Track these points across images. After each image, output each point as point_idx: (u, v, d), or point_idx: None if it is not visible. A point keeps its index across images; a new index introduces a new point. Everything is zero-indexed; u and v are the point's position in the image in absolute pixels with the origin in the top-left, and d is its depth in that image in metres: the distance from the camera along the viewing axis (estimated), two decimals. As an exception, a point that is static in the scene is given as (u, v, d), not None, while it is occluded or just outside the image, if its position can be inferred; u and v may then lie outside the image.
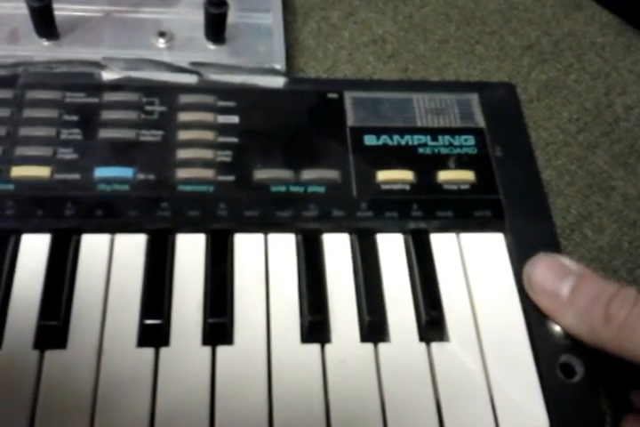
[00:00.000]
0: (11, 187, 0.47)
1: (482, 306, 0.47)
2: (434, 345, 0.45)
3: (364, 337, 0.45)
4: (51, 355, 0.42)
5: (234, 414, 0.41)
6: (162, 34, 0.59)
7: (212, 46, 0.59)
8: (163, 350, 0.43)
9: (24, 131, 0.50)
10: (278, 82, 0.55)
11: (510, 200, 0.51)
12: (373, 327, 0.45)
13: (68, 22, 0.59)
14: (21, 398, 0.41)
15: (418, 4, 0.73)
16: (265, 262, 0.47)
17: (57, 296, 0.44)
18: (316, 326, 0.44)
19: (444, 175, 0.51)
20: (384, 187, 0.50)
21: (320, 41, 0.70)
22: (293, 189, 0.49)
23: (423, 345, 0.45)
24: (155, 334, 0.43)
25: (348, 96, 0.54)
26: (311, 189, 0.49)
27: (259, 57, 0.59)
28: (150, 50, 0.59)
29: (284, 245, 0.48)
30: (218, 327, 0.44)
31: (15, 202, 0.47)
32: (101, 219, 0.47)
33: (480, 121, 0.55)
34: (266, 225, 0.48)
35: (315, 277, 0.46)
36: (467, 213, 0.50)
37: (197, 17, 0.60)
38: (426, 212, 0.49)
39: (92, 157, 0.49)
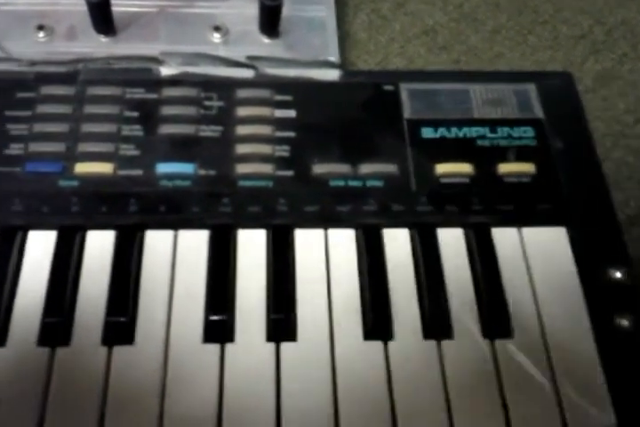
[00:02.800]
0: (75, 183, 0.48)
1: (545, 301, 0.47)
2: (497, 342, 0.45)
3: (428, 334, 0.45)
4: (119, 351, 0.43)
5: (299, 409, 0.42)
6: (217, 28, 0.59)
7: (266, 40, 0.59)
8: (228, 346, 0.44)
9: (86, 127, 0.50)
10: (334, 75, 0.55)
11: (572, 193, 0.50)
12: (436, 324, 0.45)
13: (124, 18, 0.59)
14: (91, 395, 0.42)
15: (468, -7, 0.72)
16: (325, 258, 0.47)
17: (124, 292, 0.45)
18: (378, 324, 0.44)
19: (504, 168, 0.50)
20: (443, 180, 0.50)
21: (371, 33, 0.69)
22: (352, 183, 0.49)
23: (487, 342, 0.45)
24: (220, 330, 0.44)
25: (404, 88, 0.54)
26: (370, 183, 0.49)
27: (313, 50, 0.59)
28: (205, 44, 0.59)
29: (345, 241, 0.48)
30: (281, 323, 0.44)
31: (80, 198, 0.47)
32: (164, 215, 0.47)
33: (539, 112, 0.54)
34: (325, 220, 0.48)
35: (376, 273, 0.46)
36: (528, 207, 0.49)
37: (251, 10, 0.60)
38: (486, 205, 0.49)
39: (154, 153, 0.50)
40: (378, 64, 0.66)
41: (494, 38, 0.68)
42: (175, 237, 0.48)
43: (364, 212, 0.48)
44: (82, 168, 0.48)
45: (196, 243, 0.47)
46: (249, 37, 0.60)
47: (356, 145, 0.51)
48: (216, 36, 0.59)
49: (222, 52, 0.58)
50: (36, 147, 0.49)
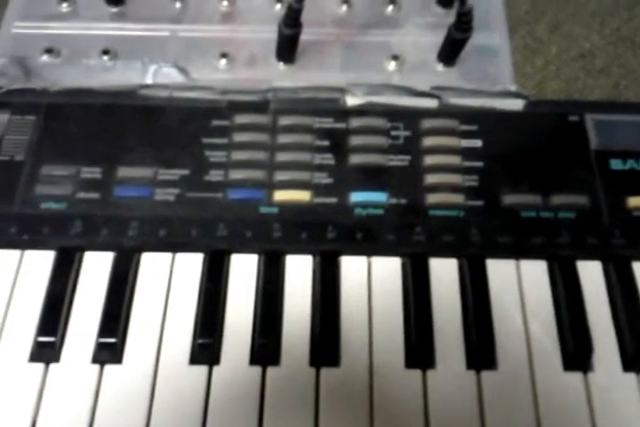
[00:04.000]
0: (275, 210, 0.50)
1: None
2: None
3: (627, 366, 0.45)
4: (326, 372, 0.45)
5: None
6: (394, 57, 0.60)
7: (441, 68, 0.61)
8: (429, 373, 0.45)
9: (281, 156, 0.53)
10: (517, 104, 0.55)
11: None
12: (637, 357, 0.45)
13: (302, 46, 0.61)
14: (303, 414, 0.43)
15: (625, 16, 0.71)
16: (519, 290, 0.48)
17: (329, 316, 0.46)
18: (578, 355, 0.45)
19: (698, 203, 0.50)
20: (636, 213, 0.50)
21: (527, 56, 0.69)
22: (543, 214, 0.50)
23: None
24: (422, 356, 0.45)
25: (590, 118, 0.54)
26: (561, 214, 0.50)
27: (488, 78, 0.60)
28: (380, 72, 0.61)
29: (537, 273, 0.49)
30: (481, 352, 0.45)
31: (280, 224, 0.49)
32: (360, 242, 0.49)
33: None
34: (518, 251, 0.49)
35: (575, 306, 0.47)
36: None
37: (426, 38, 0.61)
38: (682, 240, 0.49)
39: (346, 182, 0.51)
40: (534, 87, 0.66)
41: (655, 62, 0.67)
42: (369, 264, 0.49)
43: (557, 244, 0.49)
44: (281, 195, 0.50)
45: (390, 270, 0.49)
46: (424, 66, 0.61)
47: (544, 175, 0.52)
48: (392, 65, 0.60)
49: (397, 80, 0.60)
50: (236, 174, 0.51)
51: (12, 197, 0.49)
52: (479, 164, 0.52)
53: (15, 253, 0.48)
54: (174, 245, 0.49)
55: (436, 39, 0.60)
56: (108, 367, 0.44)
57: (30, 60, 0.59)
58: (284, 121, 0.54)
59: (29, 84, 0.56)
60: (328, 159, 0.52)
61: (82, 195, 0.50)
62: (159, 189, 0.51)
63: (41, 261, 0.48)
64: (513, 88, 0.58)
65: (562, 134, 0.54)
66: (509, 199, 0.50)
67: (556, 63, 0.68)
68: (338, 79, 0.59)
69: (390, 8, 0.64)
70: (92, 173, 0.51)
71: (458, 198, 0.51)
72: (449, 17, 0.60)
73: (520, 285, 0.48)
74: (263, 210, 0.50)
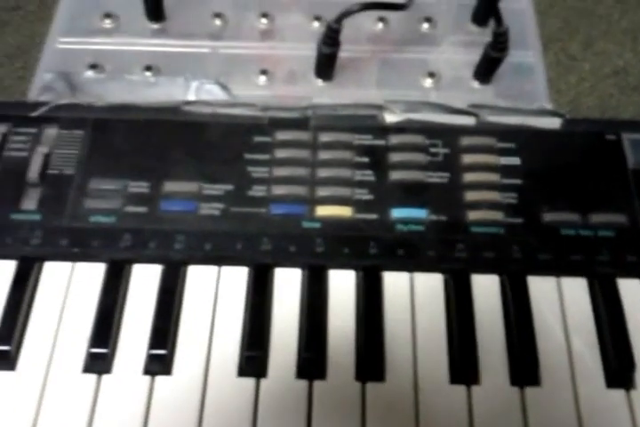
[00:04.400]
0: (317, 225, 0.51)
1: None
2: None
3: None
4: (372, 387, 0.46)
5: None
6: (431, 74, 0.61)
7: (477, 86, 0.62)
8: (474, 389, 0.46)
9: (322, 172, 0.53)
10: (554, 123, 0.56)
11: None
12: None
13: (340, 63, 0.62)
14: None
15: (657, 34, 0.72)
16: (560, 307, 0.49)
17: (374, 331, 0.47)
18: (621, 371, 0.46)
19: None
20: (675, 232, 0.50)
21: (560, 72, 0.70)
22: (583, 232, 0.51)
23: None
24: (466, 371, 0.46)
25: (627, 137, 0.55)
26: (601, 232, 0.50)
27: (523, 95, 0.61)
28: (417, 90, 0.62)
29: (578, 290, 0.49)
30: (525, 368, 0.46)
31: (323, 239, 0.50)
32: (402, 258, 0.50)
33: None
34: (558, 269, 0.50)
35: (616, 323, 0.47)
36: None
37: (462, 55, 0.62)
38: None
39: (387, 198, 0.52)
40: (569, 104, 0.67)
41: (689, 81, 0.68)
42: (411, 280, 0.50)
43: (597, 261, 0.49)
44: (323, 211, 0.51)
45: (432, 286, 0.50)
46: (460, 83, 0.62)
47: (582, 194, 0.52)
48: (428, 82, 0.61)
49: (433, 98, 0.61)
50: (278, 190, 0.52)
51: (61, 211, 0.50)
52: (518, 181, 0.53)
53: (66, 265, 0.49)
54: (220, 258, 0.50)
55: (472, 57, 0.61)
56: (159, 378, 0.45)
57: (75, 76, 0.60)
58: (325, 138, 0.55)
59: (75, 99, 0.57)
60: (368, 175, 0.53)
61: (130, 209, 0.51)
62: (204, 204, 0.51)
63: (92, 274, 0.49)
64: (549, 106, 0.58)
65: (599, 153, 0.54)
66: (549, 217, 0.51)
67: (590, 80, 0.69)
68: (375, 96, 0.60)
69: (426, 26, 0.65)
70: (140, 187, 0.52)
71: (498, 215, 0.51)
72: (484, 35, 0.62)
73: (561, 302, 0.49)
74: (306, 225, 0.51)
